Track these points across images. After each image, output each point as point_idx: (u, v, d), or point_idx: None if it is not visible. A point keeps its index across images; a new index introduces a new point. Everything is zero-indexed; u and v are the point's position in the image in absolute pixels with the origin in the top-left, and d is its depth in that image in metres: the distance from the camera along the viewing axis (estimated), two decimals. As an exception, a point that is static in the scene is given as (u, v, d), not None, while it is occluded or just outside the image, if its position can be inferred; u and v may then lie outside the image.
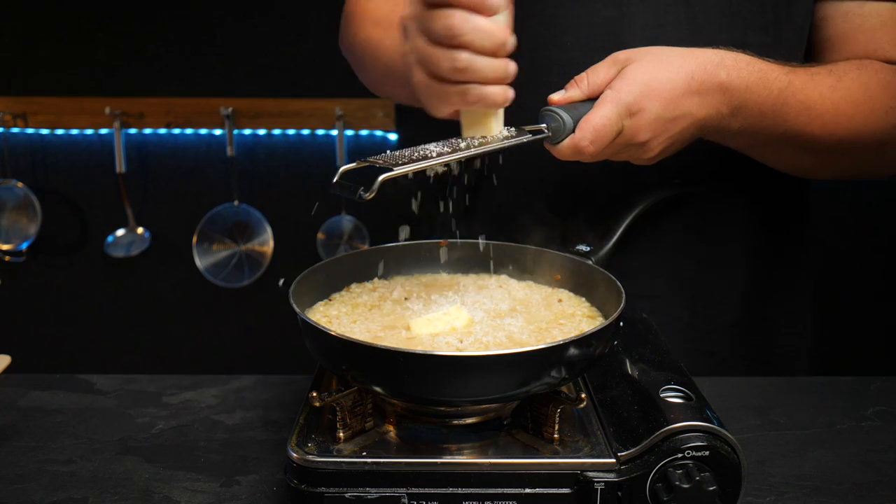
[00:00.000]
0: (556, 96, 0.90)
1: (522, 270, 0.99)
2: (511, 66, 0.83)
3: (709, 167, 1.12)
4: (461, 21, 0.80)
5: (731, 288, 1.17)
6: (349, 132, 2.64)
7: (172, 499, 0.82)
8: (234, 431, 0.95)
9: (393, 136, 2.65)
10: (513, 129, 0.88)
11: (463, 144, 0.84)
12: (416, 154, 0.81)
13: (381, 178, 0.75)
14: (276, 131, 2.66)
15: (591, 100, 0.90)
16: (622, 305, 0.81)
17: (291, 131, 2.66)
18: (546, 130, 0.89)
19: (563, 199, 1.12)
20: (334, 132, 2.61)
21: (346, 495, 0.72)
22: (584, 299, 0.94)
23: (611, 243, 1.00)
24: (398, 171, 0.77)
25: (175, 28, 2.59)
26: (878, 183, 2.67)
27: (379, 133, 2.65)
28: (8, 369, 0.91)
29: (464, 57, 0.80)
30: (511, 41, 0.82)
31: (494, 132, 0.87)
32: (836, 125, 0.99)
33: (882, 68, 1.03)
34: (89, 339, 2.81)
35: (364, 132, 2.65)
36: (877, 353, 2.79)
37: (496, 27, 0.81)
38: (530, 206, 1.14)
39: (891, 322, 2.79)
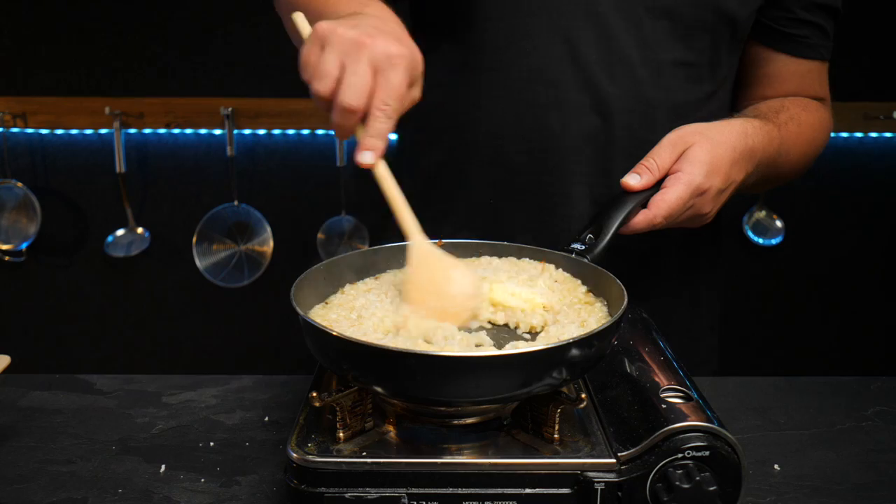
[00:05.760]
0: (633, 183, 0.98)
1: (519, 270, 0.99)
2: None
3: None
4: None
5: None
6: (349, 132, 2.63)
7: (172, 499, 0.82)
8: (233, 431, 0.95)
9: (393, 136, 2.64)
10: None
11: None
12: None
13: None
14: (276, 131, 2.65)
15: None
16: (625, 304, 0.81)
17: (291, 131, 2.66)
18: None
19: (557, 199, 1.12)
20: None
21: (346, 495, 0.72)
22: (579, 282, 0.93)
23: (605, 241, 1.00)
24: None
25: (175, 28, 2.59)
26: (878, 183, 2.68)
27: (379, 133, 2.65)
28: (8, 369, 0.91)
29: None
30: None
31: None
32: (797, 163, 1.17)
33: (818, 107, 1.21)
34: (89, 339, 2.80)
35: (364, 132, 2.64)
36: (877, 353, 2.79)
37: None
38: (524, 206, 1.14)
39: (891, 322, 2.79)
